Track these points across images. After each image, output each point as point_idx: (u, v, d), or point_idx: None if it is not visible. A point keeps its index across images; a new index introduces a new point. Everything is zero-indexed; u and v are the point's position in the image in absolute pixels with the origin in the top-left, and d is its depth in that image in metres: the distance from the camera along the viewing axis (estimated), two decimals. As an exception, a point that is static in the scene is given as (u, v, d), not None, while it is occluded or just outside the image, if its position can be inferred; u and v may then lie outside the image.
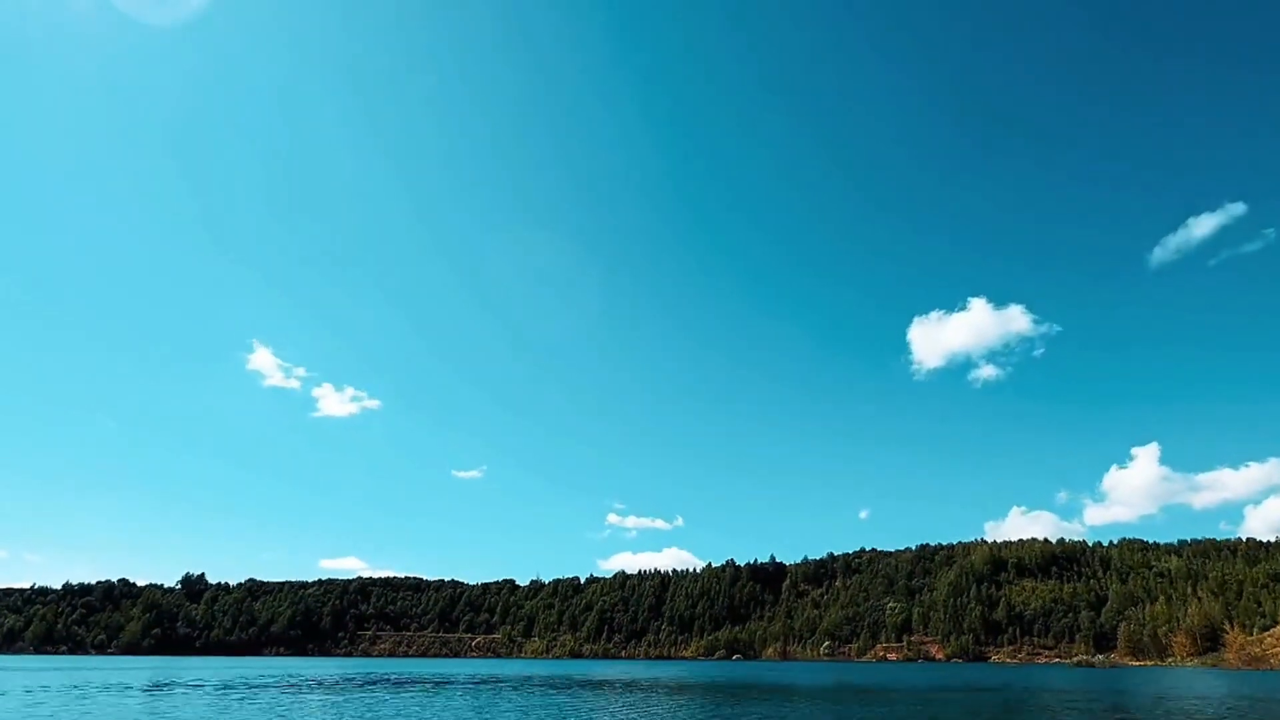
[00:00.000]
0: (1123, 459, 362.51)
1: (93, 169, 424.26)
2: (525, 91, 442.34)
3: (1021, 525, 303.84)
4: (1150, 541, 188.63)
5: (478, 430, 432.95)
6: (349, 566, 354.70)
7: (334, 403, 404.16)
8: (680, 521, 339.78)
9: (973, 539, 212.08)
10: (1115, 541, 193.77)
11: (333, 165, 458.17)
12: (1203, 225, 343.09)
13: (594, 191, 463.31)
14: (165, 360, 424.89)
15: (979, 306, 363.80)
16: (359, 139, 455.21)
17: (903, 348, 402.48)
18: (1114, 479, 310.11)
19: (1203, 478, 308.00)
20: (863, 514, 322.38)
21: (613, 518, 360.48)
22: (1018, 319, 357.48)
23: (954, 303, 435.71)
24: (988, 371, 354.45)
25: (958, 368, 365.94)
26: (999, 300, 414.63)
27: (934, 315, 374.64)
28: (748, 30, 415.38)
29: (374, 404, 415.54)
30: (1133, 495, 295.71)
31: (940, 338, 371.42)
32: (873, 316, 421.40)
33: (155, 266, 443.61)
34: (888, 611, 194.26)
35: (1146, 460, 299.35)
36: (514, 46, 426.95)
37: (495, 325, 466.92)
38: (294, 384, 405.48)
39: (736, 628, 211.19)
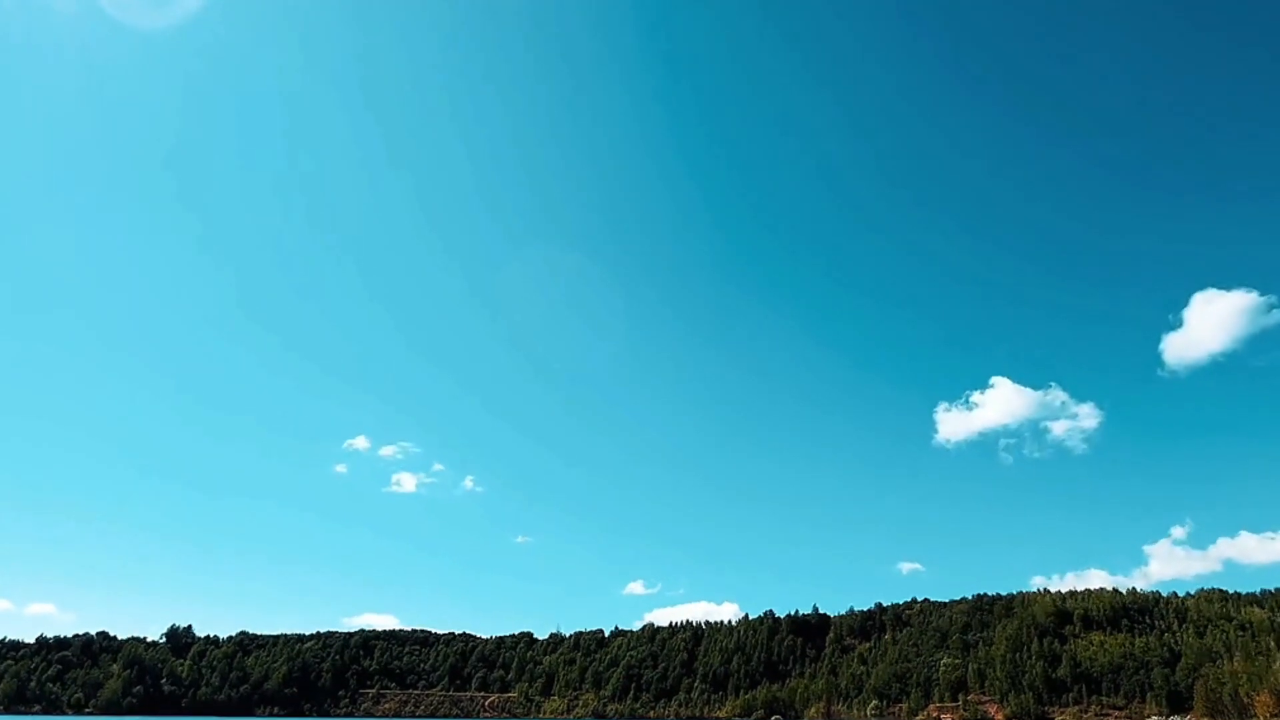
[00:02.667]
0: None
1: (80, 183, 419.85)
2: (547, 99, 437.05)
3: (1086, 581, 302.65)
4: (1230, 591, 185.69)
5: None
6: (364, 622, 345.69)
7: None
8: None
9: (1033, 589, 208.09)
10: (1191, 592, 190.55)
11: (343, 181, 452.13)
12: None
13: (623, 209, 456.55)
14: (156, 397, 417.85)
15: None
16: (370, 151, 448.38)
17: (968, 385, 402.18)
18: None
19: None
20: (905, 567, 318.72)
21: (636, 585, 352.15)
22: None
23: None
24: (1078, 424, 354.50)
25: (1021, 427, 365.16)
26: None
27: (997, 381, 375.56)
28: (790, 37, 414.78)
29: (391, 450, 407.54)
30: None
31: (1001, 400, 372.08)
32: (935, 351, 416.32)
33: (156, 281, 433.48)
34: (941, 668, 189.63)
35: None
36: (536, 52, 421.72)
37: (518, 356, 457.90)
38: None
39: (776, 685, 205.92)
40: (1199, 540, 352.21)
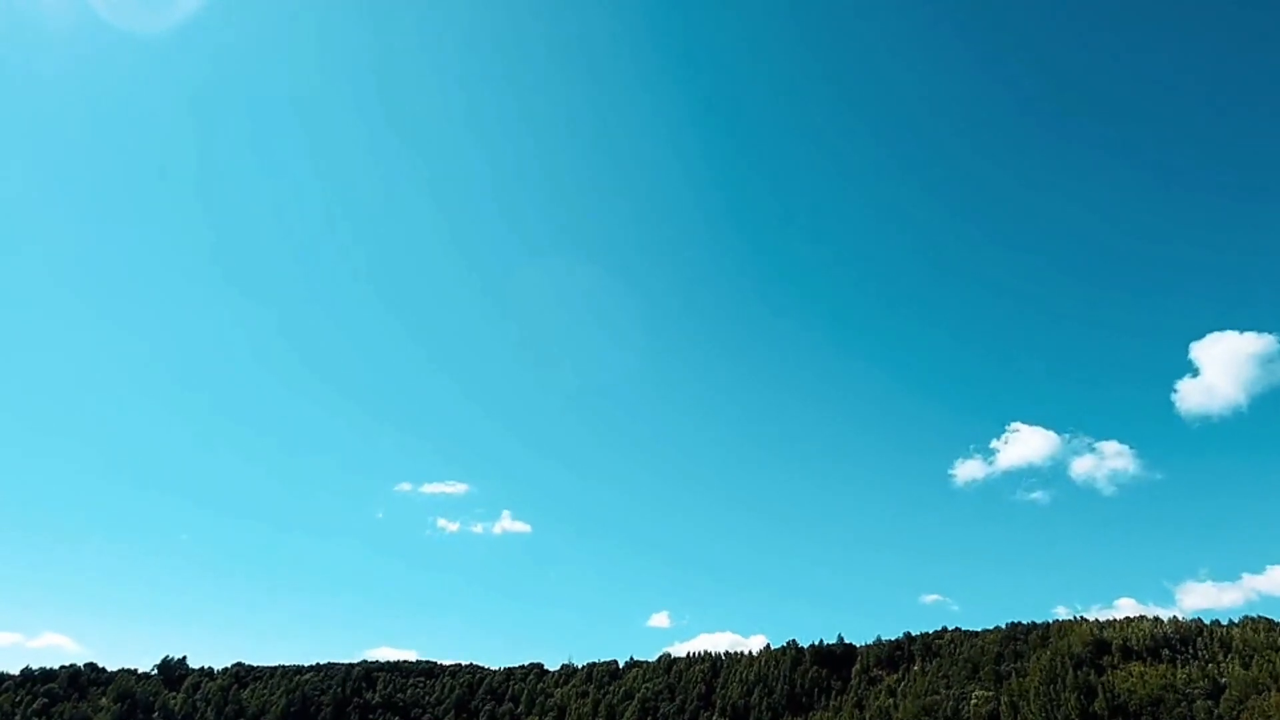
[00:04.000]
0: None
1: (80, 192, 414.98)
2: (567, 102, 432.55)
3: (1116, 613, 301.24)
4: (1277, 620, 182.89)
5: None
6: (380, 656, 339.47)
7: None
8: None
9: (1069, 617, 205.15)
10: (1236, 620, 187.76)
11: (358, 190, 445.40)
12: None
13: (648, 218, 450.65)
14: (158, 419, 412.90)
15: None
16: (384, 157, 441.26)
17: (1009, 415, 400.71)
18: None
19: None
20: (929, 598, 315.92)
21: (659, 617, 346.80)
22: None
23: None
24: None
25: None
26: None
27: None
28: (817, 42, 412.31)
29: (430, 488, 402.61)
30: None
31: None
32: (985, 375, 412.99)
33: (169, 302, 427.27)
34: (973, 700, 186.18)
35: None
36: (555, 55, 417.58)
37: (541, 372, 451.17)
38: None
39: (799, 719, 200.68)
40: (1228, 574, 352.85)
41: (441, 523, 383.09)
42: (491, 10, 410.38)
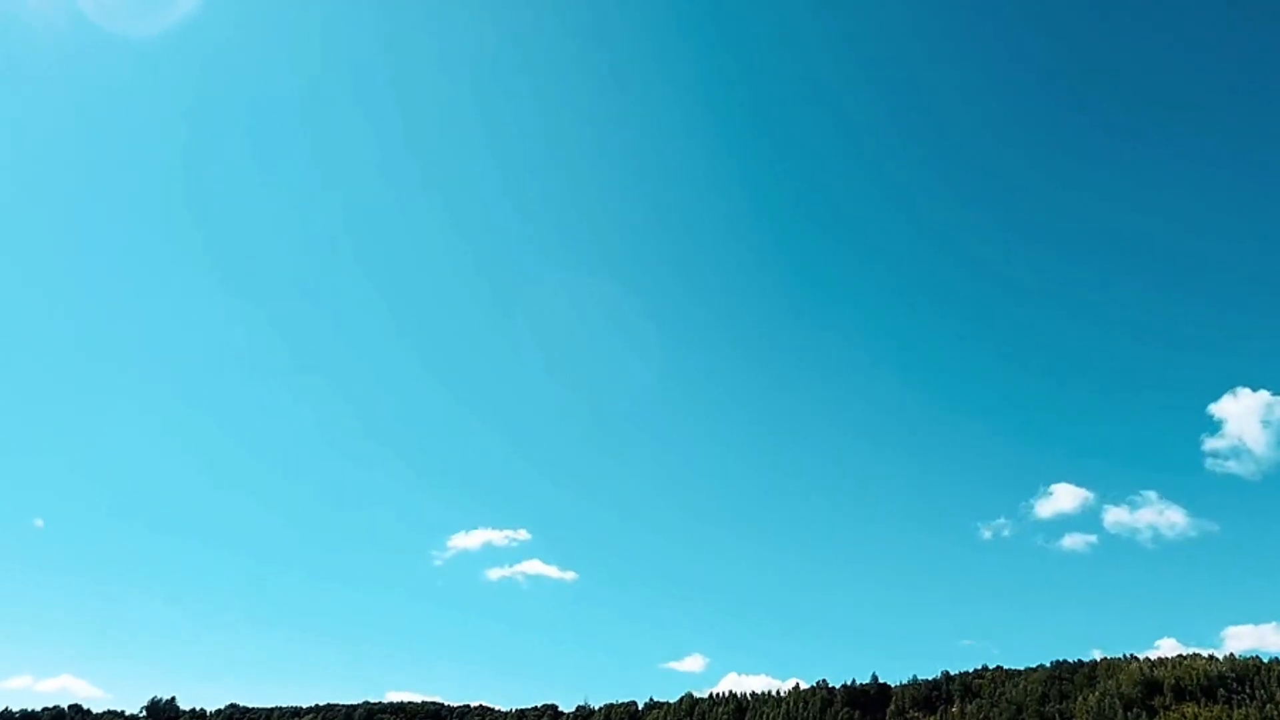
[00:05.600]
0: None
1: (70, 205, 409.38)
2: (585, 99, 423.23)
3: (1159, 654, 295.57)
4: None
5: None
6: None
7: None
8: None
9: (1118, 655, 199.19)
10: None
11: (367, 198, 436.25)
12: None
13: (675, 230, 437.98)
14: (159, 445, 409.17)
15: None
16: (394, 162, 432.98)
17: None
18: None
19: None
20: (965, 642, 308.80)
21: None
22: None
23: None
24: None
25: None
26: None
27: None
28: (850, 38, 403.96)
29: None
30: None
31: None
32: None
33: (176, 323, 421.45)
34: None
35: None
36: (574, 54, 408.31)
37: (561, 396, 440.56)
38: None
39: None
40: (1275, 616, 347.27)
41: (457, 559, 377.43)
42: (507, 9, 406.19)
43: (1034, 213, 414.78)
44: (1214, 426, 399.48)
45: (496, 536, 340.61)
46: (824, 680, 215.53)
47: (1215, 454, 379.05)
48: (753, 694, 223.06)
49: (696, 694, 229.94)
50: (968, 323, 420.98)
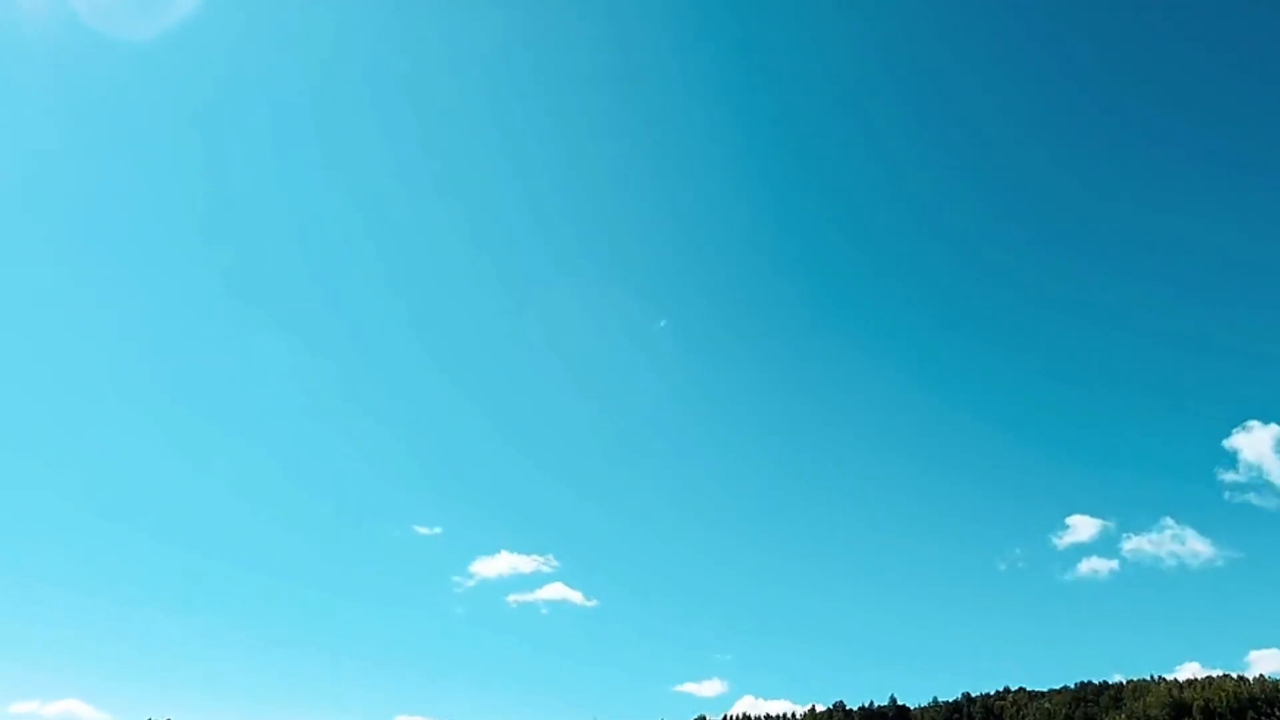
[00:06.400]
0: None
1: (64, 215, 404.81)
2: (604, 102, 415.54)
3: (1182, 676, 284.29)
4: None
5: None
6: None
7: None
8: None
9: (1145, 676, 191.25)
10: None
11: (381, 202, 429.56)
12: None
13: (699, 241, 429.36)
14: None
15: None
16: (409, 167, 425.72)
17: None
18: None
19: None
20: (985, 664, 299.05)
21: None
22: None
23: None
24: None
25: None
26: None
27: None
28: (882, 41, 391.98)
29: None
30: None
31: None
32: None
33: (187, 339, 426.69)
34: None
35: None
36: (595, 55, 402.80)
37: (577, 409, 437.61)
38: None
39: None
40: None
41: (479, 587, 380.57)
42: (524, 9, 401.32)
43: (1072, 225, 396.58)
44: (1229, 459, 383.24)
45: (521, 562, 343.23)
46: (840, 702, 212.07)
47: (1235, 486, 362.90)
48: (766, 715, 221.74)
49: (711, 718, 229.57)
50: (995, 339, 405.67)
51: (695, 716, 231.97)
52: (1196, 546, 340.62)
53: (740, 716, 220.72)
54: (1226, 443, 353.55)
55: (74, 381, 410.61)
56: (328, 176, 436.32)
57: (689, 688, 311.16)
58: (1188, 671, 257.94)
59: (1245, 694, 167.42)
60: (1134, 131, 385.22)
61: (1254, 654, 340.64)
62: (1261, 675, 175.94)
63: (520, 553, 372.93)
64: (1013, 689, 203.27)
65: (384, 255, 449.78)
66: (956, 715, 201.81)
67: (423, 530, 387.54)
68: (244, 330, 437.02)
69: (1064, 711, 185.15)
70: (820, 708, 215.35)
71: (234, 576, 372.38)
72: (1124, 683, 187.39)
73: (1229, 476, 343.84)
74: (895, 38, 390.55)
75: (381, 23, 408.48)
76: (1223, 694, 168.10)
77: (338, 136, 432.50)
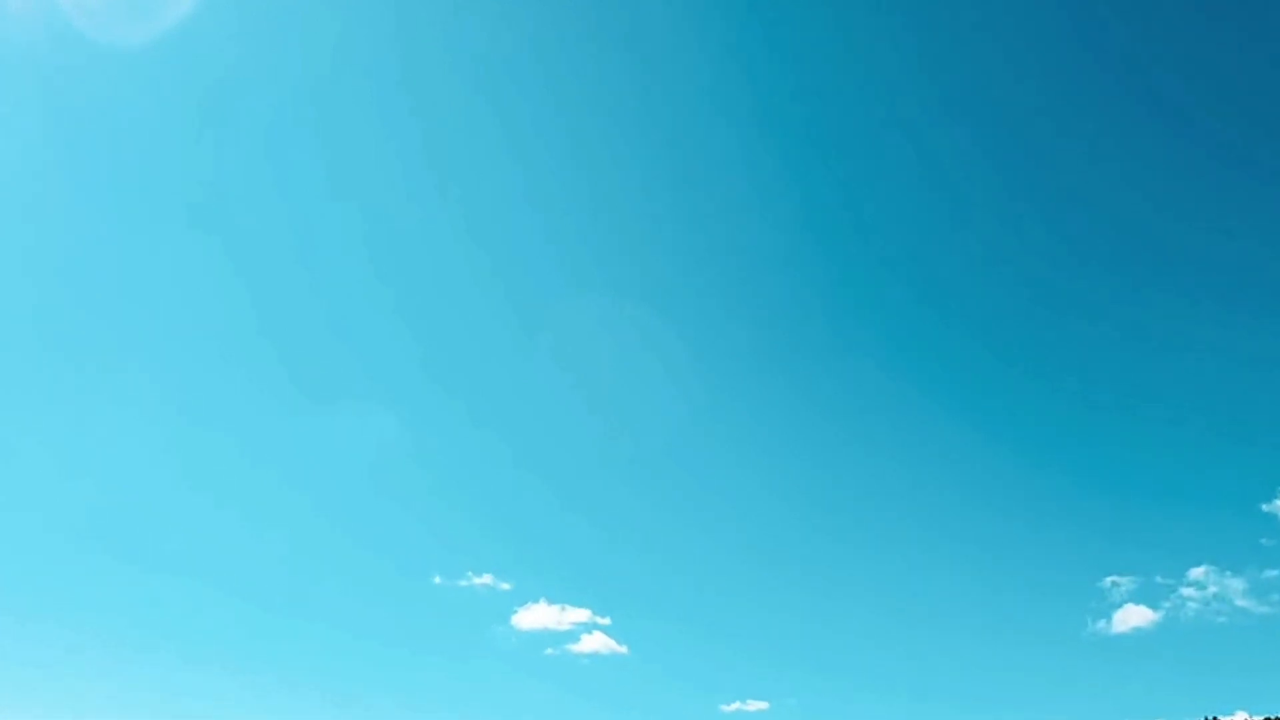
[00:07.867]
0: None
1: (57, 228, 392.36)
2: (619, 106, 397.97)
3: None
4: None
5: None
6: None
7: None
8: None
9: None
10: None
11: (386, 211, 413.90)
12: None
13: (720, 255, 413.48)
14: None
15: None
16: (413, 173, 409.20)
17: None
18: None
19: None
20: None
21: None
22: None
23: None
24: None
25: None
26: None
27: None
28: (916, 40, 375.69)
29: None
30: None
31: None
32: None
33: (175, 343, 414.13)
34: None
35: None
36: (607, 55, 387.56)
37: (592, 429, 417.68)
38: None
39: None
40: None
41: (519, 639, 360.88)
42: (536, 9, 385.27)
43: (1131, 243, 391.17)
44: (1272, 523, 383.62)
45: (556, 614, 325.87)
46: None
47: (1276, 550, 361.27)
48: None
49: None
50: (1041, 366, 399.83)
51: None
52: (1241, 602, 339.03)
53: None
54: (1266, 506, 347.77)
55: (73, 394, 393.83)
56: (328, 187, 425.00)
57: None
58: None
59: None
60: (1200, 148, 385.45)
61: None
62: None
63: (557, 603, 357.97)
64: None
65: (385, 264, 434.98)
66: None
67: (456, 580, 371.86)
68: (242, 342, 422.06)
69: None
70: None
71: (247, 613, 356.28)
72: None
73: (1271, 542, 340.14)
74: (937, 45, 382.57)
75: (383, 26, 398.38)
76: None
77: (336, 147, 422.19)
